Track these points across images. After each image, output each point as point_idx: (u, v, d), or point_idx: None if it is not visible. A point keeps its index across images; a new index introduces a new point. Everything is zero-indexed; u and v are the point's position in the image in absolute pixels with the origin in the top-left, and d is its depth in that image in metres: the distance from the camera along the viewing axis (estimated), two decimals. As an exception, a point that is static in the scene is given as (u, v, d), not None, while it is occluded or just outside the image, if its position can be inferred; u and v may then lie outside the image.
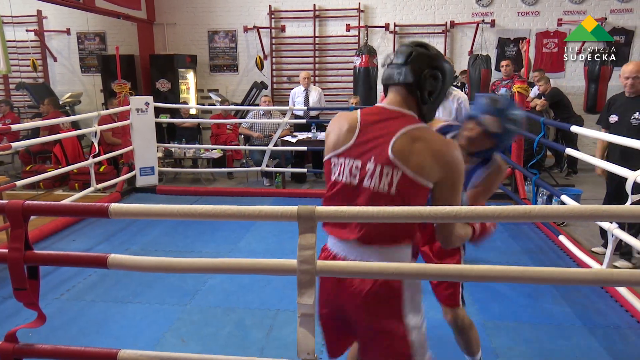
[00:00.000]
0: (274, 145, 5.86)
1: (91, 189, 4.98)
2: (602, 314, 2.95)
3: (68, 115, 7.45)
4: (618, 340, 2.67)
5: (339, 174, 1.44)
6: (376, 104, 1.52)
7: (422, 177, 1.35)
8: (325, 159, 1.52)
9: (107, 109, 6.93)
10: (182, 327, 2.82)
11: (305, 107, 6.31)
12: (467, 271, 1.33)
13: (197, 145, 6.80)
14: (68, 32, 9.09)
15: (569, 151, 4.30)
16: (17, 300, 1.41)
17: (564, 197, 3.88)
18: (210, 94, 8.33)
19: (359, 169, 1.40)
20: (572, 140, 6.40)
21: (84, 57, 9.20)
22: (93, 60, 9.09)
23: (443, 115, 3.44)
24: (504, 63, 6.56)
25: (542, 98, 6.39)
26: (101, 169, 5.97)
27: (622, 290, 2.98)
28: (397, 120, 1.41)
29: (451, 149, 1.38)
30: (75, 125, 7.00)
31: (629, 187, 2.81)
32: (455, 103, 3.45)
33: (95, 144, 5.02)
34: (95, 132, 5.01)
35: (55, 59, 9.27)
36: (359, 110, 1.50)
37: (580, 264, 3.59)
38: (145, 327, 2.82)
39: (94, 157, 5.01)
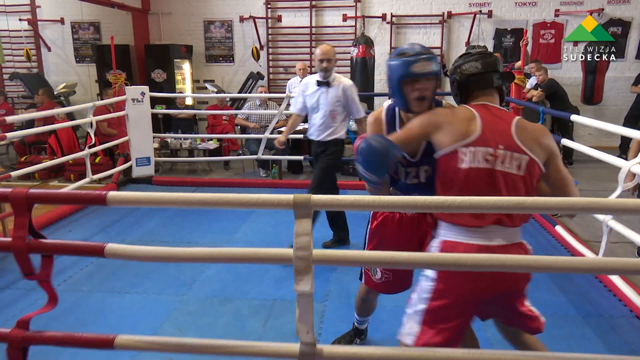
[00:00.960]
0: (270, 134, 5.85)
1: (87, 180, 4.96)
2: (596, 303, 2.98)
3: (63, 105, 7.41)
4: (611, 329, 2.70)
5: (472, 161, 1.60)
6: (477, 103, 1.72)
7: (539, 158, 1.62)
8: (448, 150, 1.63)
9: (102, 99, 6.90)
10: (179, 317, 2.83)
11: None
12: (463, 259, 1.34)
13: (193, 135, 6.78)
14: (62, 21, 9.01)
15: (565, 142, 4.30)
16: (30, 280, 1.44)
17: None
18: (206, 85, 8.29)
19: (493, 155, 1.60)
20: (568, 131, 6.41)
21: (78, 47, 9.12)
22: (87, 50, 9.02)
23: (325, 101, 3.52)
24: None
25: (539, 89, 6.39)
26: (97, 160, 5.95)
27: (616, 280, 3.02)
28: (504, 113, 1.71)
29: (547, 133, 1.70)
30: (70, 115, 6.96)
31: (621, 177, 2.83)
32: (339, 90, 3.52)
33: (92, 135, 4.99)
34: (91, 123, 4.98)
35: (49, 49, 9.18)
36: (463, 105, 1.73)
37: (576, 255, 3.61)
38: (142, 317, 2.83)
39: (89, 147, 4.99)
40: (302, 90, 3.66)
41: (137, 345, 1.46)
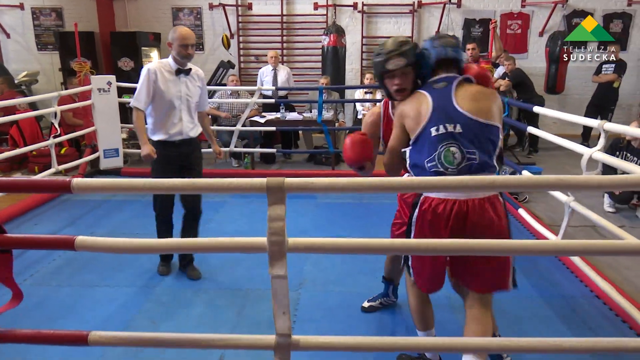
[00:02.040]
0: (242, 126, 5.80)
1: (52, 170, 4.82)
2: (558, 284, 3.12)
3: (25, 95, 7.13)
4: (572, 309, 2.83)
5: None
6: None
7: None
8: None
9: (66, 88, 6.68)
10: (152, 309, 2.81)
11: (274, 87, 6.24)
12: (432, 245, 1.38)
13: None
14: (22, 6, 8.62)
15: (531, 129, 4.43)
16: None
17: (525, 173, 4.04)
18: (176, 73, 8.11)
19: None
20: (534, 120, 6.60)
21: (39, 34, 8.76)
22: (50, 37, 8.67)
23: (189, 92, 3.09)
24: (469, 46, 6.23)
25: (506, 78, 6.54)
26: (62, 151, 5.77)
27: (577, 261, 3.15)
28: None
29: None
30: (32, 105, 6.71)
31: (583, 163, 2.96)
32: (199, 79, 3.17)
33: (56, 125, 4.83)
34: (55, 113, 4.82)
35: (8, 36, 8.79)
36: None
37: (539, 238, 3.75)
38: (114, 310, 2.79)
39: (54, 137, 4.83)
40: (150, 80, 2.98)
41: (111, 341, 1.44)
